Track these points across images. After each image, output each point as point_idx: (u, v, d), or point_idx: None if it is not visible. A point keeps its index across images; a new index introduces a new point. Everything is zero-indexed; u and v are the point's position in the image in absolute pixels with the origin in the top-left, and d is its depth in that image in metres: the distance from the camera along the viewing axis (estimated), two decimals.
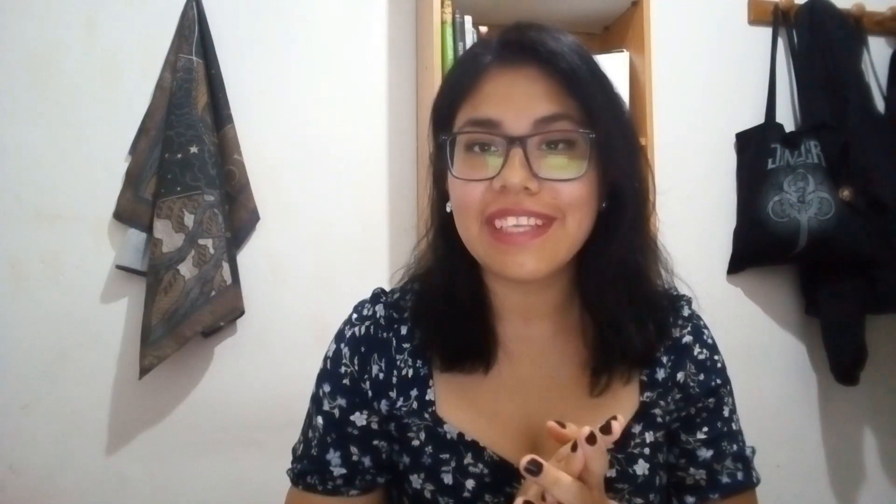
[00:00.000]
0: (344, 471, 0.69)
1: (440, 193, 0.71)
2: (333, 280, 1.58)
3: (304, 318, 1.55)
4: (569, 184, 0.60)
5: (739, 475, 0.71)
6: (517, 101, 0.61)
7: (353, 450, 0.70)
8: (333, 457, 0.69)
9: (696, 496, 0.70)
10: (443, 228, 0.70)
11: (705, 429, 0.71)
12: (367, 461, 0.70)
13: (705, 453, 0.71)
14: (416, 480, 0.68)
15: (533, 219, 0.61)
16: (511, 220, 0.61)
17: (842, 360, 1.73)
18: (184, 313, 1.38)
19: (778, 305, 1.86)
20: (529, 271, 0.61)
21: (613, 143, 0.62)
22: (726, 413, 0.73)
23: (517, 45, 0.63)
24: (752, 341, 1.82)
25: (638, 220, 0.66)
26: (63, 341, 1.43)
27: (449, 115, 0.65)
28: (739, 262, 1.81)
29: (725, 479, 0.70)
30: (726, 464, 0.71)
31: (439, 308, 0.69)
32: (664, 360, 0.71)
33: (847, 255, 1.69)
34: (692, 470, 0.71)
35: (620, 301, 0.66)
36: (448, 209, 0.68)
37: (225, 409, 1.50)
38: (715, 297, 1.79)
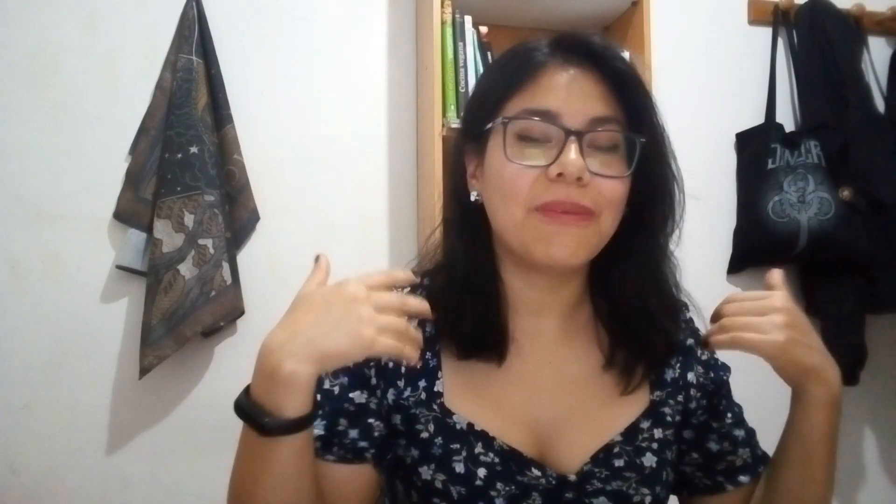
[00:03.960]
0: (322, 432, 0.67)
1: (462, 185, 0.73)
2: (333, 280, 1.57)
3: None
4: (612, 182, 0.64)
5: (761, 447, 0.78)
6: (576, 97, 0.65)
7: (342, 421, 0.68)
8: (318, 424, 0.67)
9: (749, 474, 0.75)
10: (464, 220, 0.72)
11: (729, 414, 0.77)
12: (353, 433, 0.68)
13: (740, 433, 0.76)
14: (426, 472, 0.69)
15: (577, 211, 0.64)
16: (559, 210, 0.64)
17: (842, 360, 1.72)
18: (184, 313, 1.38)
19: None
20: (571, 254, 0.64)
21: (655, 149, 0.67)
22: (733, 398, 0.80)
23: (575, 47, 0.67)
24: None
25: (671, 226, 0.71)
26: (63, 341, 1.43)
27: (497, 105, 0.67)
28: (739, 262, 1.81)
29: (760, 452, 0.77)
30: (756, 440, 0.78)
31: (459, 297, 0.70)
32: (672, 360, 0.75)
33: (847, 255, 1.69)
34: (740, 451, 0.75)
35: (659, 300, 0.71)
36: (473, 199, 0.70)
37: (225, 409, 1.47)
38: (715, 298, 1.78)
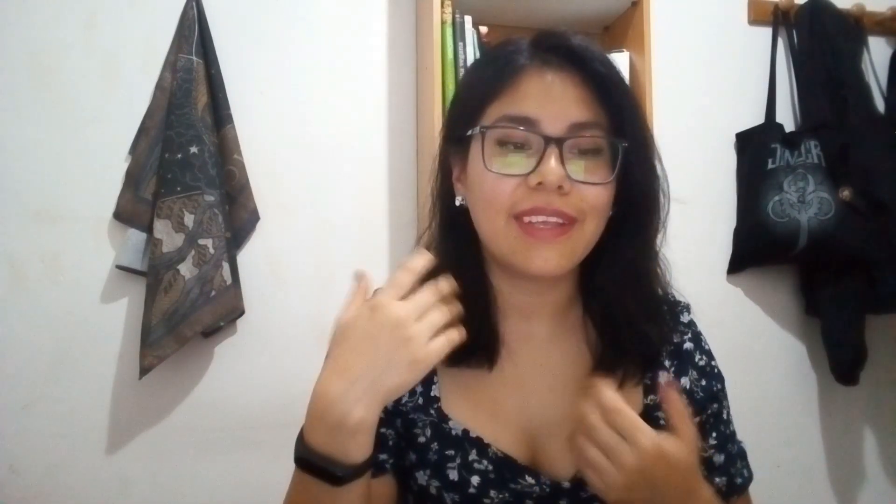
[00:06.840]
0: None
1: (447, 189, 0.72)
2: (333, 280, 1.58)
3: (304, 318, 1.55)
4: (595, 188, 0.63)
5: (745, 472, 0.75)
6: (555, 102, 0.63)
7: None
8: None
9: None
10: (450, 224, 0.71)
11: (714, 434, 0.73)
12: None
13: (719, 458, 0.73)
14: (421, 477, 0.69)
15: (558, 218, 0.63)
16: (540, 217, 0.62)
17: (842, 360, 1.73)
18: (184, 313, 1.38)
19: (778, 305, 1.86)
20: (553, 267, 0.63)
21: (639, 153, 0.65)
22: (726, 416, 0.76)
23: (555, 49, 0.65)
24: (752, 341, 1.82)
25: (655, 228, 0.69)
26: (63, 341, 1.43)
27: (477, 111, 0.66)
28: (739, 263, 1.80)
29: (739, 480, 0.74)
30: (737, 466, 0.74)
31: None
32: (667, 364, 0.73)
33: (847, 255, 1.69)
34: (716, 479, 0.73)
35: (638, 303, 0.69)
36: (458, 203, 0.69)
37: (225, 409, 1.49)
38: (715, 298, 1.79)
